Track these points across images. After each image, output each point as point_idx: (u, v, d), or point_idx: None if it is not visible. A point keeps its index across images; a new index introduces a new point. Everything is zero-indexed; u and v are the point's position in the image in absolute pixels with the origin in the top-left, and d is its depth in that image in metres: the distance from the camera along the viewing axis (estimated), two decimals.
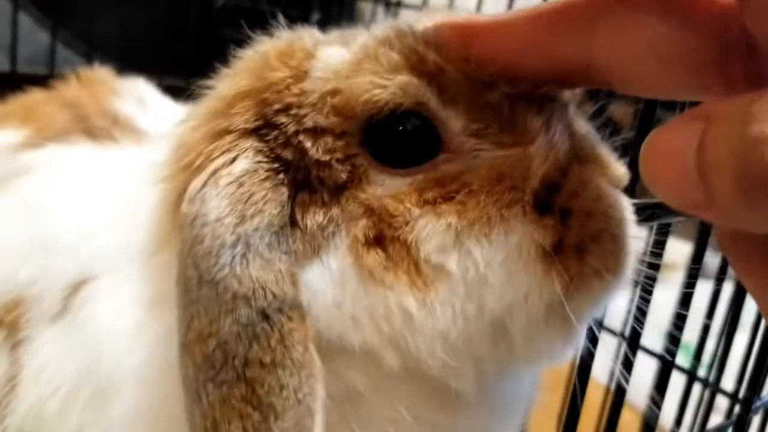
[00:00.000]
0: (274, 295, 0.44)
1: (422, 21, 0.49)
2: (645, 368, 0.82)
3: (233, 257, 0.44)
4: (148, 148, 0.78)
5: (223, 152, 0.48)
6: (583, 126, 0.50)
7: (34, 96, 0.94)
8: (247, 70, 0.51)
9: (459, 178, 0.46)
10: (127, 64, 1.44)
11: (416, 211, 0.45)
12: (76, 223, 0.64)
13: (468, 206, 0.45)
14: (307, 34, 0.53)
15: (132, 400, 0.52)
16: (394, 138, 0.47)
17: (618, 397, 0.66)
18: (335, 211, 0.47)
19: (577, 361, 0.59)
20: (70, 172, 0.75)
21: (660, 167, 0.32)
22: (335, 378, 0.48)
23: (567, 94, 0.50)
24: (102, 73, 1.02)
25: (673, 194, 0.33)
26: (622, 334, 0.71)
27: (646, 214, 0.51)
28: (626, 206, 0.47)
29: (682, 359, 0.84)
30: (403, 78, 0.45)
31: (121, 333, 0.54)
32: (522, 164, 0.46)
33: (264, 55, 0.51)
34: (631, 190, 0.53)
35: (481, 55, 0.45)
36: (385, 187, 0.47)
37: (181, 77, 0.53)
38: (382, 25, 0.50)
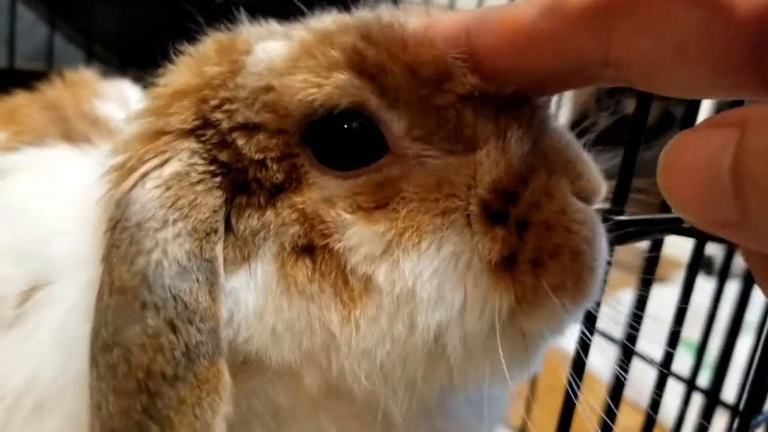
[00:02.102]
0: (186, 306, 0.42)
1: (409, 17, 0.45)
2: (648, 368, 0.81)
3: (147, 264, 0.42)
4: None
5: (157, 154, 0.46)
6: (559, 132, 0.45)
7: (19, 98, 0.94)
8: (187, 66, 0.49)
9: (397, 184, 0.43)
10: (128, 58, 1.44)
11: (348, 217, 0.43)
12: (38, 228, 0.63)
13: (400, 214, 0.42)
14: (257, 28, 0.51)
15: (71, 411, 0.51)
16: (335, 137, 0.44)
17: (615, 396, 0.66)
18: (270, 215, 0.45)
19: (571, 361, 0.58)
20: (40, 175, 0.74)
21: (683, 179, 0.29)
22: (259, 393, 0.46)
23: (541, 100, 0.46)
24: (87, 75, 1.01)
25: (697, 210, 0.29)
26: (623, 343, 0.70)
27: (639, 228, 0.50)
28: (595, 223, 0.43)
29: (686, 356, 0.83)
30: (341, 76, 0.43)
31: (64, 342, 0.52)
32: (466, 171, 0.43)
33: (205, 50, 0.50)
34: (621, 197, 0.50)
35: (488, 52, 0.41)
36: (323, 190, 0.44)
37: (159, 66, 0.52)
38: (325, 18, 0.48)
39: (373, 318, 0.43)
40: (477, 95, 0.43)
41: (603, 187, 0.46)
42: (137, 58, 1.41)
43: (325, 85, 0.43)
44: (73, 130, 0.84)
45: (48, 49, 1.43)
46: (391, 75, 0.43)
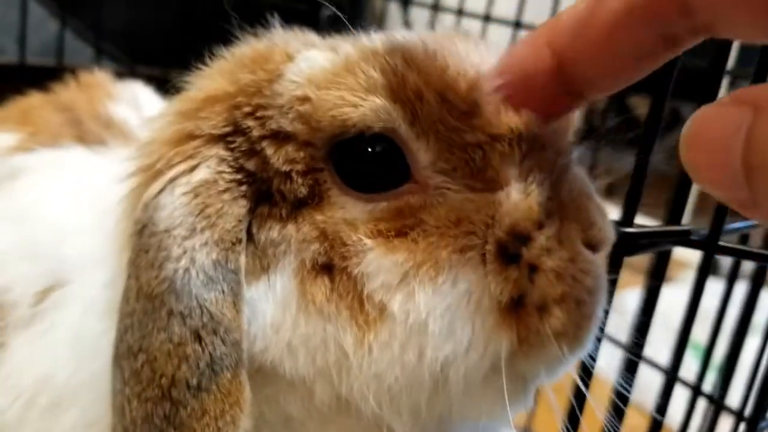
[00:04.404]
0: (212, 316, 0.43)
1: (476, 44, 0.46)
2: (653, 371, 0.81)
3: (175, 271, 0.43)
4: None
5: (185, 158, 0.46)
6: (579, 179, 0.46)
7: (32, 99, 0.95)
8: (221, 73, 0.49)
9: (417, 214, 0.44)
10: (137, 55, 1.45)
11: (368, 242, 0.43)
12: (53, 229, 0.64)
13: (419, 245, 0.43)
14: (293, 36, 0.51)
15: (85, 409, 0.52)
16: (361, 159, 0.45)
17: (620, 400, 0.66)
18: (291, 228, 0.45)
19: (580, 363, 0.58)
20: (55, 176, 0.75)
21: (702, 157, 0.29)
22: (271, 402, 0.47)
23: (566, 144, 0.46)
24: (100, 77, 1.02)
25: (716, 188, 0.29)
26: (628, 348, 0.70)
27: (648, 240, 0.50)
28: (599, 273, 0.44)
29: (692, 358, 0.83)
30: (377, 101, 0.43)
31: (79, 341, 0.53)
32: (487, 210, 0.43)
33: (241, 57, 0.50)
34: (632, 206, 0.51)
35: (567, 49, 0.39)
36: (345, 211, 0.44)
37: (190, 69, 0.52)
38: (373, 36, 0.48)
39: (385, 343, 0.43)
40: (507, 136, 0.43)
41: (612, 236, 0.46)
42: (146, 54, 1.42)
43: (361, 107, 0.43)
44: (87, 132, 0.85)
45: (58, 45, 1.44)
46: (426, 104, 0.43)
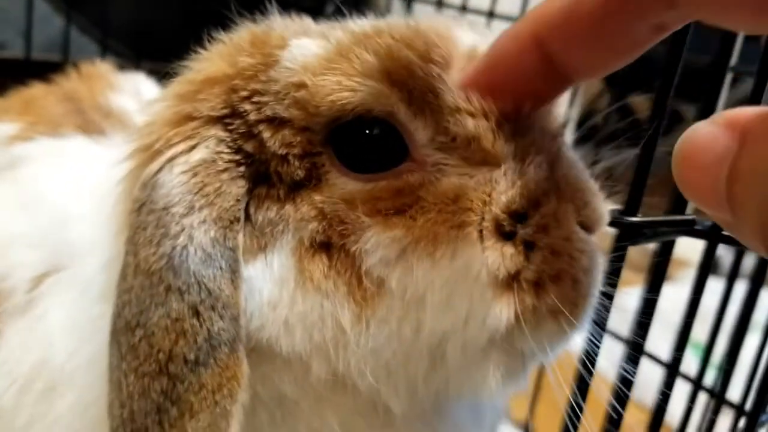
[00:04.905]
0: (210, 292, 0.43)
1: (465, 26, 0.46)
2: (654, 366, 0.82)
3: (173, 248, 0.43)
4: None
5: (184, 138, 0.46)
6: (572, 161, 0.47)
7: (35, 89, 0.95)
8: (220, 55, 0.50)
9: (416, 192, 0.44)
10: (142, 51, 1.45)
11: (366, 220, 0.43)
12: (52, 215, 0.64)
13: (417, 222, 0.43)
14: (291, 23, 0.52)
15: (81, 393, 0.52)
16: (359, 141, 0.45)
17: (621, 396, 0.66)
18: (289, 208, 0.45)
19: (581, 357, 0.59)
20: (56, 165, 0.75)
21: (691, 175, 0.30)
22: (266, 380, 0.47)
23: (556, 127, 0.47)
24: (102, 68, 1.02)
25: (702, 206, 0.31)
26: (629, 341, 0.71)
27: (652, 230, 0.51)
28: (595, 253, 0.44)
29: (692, 356, 0.83)
30: (375, 85, 0.43)
31: (76, 325, 0.53)
32: (483, 188, 0.44)
33: (239, 40, 0.50)
34: (636, 199, 0.51)
35: (553, 39, 0.40)
36: (344, 191, 0.45)
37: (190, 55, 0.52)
38: (362, 21, 0.49)
39: (383, 319, 0.43)
40: (497, 118, 0.44)
41: (606, 217, 0.47)
42: (151, 50, 1.42)
43: (359, 91, 0.43)
44: (88, 122, 0.85)
45: (64, 41, 1.44)
46: (422, 83, 0.44)
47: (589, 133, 0.59)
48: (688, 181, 0.31)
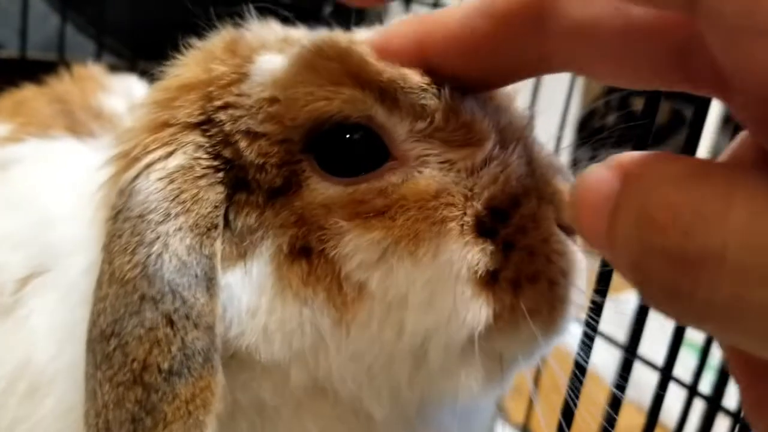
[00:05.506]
0: (184, 301, 0.42)
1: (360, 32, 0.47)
2: (652, 370, 0.82)
3: (148, 256, 0.43)
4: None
5: (162, 145, 0.46)
6: (550, 159, 0.47)
7: (27, 91, 0.95)
8: (195, 61, 0.50)
9: (397, 190, 0.44)
10: (138, 50, 1.45)
11: (345, 225, 0.43)
12: (38, 216, 0.64)
13: (397, 222, 0.43)
14: (264, 29, 0.52)
15: (63, 395, 0.52)
16: (338, 147, 0.45)
17: (616, 397, 0.66)
18: (268, 215, 0.45)
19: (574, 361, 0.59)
20: (44, 166, 0.75)
21: (581, 215, 0.31)
22: (245, 387, 0.47)
23: (520, 112, 0.48)
24: (94, 70, 1.02)
25: (591, 243, 0.32)
26: (625, 347, 0.71)
27: None
28: (574, 257, 0.44)
29: (688, 357, 0.83)
30: (348, 91, 0.43)
31: (58, 328, 0.53)
32: (466, 182, 0.44)
33: (212, 47, 0.50)
34: None
35: (435, 54, 0.42)
36: (324, 196, 0.44)
37: (167, 59, 0.53)
38: (312, 34, 0.49)
39: (363, 323, 0.43)
40: (467, 98, 0.44)
41: None
42: (148, 50, 1.41)
43: (334, 99, 0.43)
44: (77, 123, 0.85)
45: (60, 40, 1.44)
46: (387, 79, 0.43)
47: (589, 134, 0.59)
48: (580, 220, 0.32)
